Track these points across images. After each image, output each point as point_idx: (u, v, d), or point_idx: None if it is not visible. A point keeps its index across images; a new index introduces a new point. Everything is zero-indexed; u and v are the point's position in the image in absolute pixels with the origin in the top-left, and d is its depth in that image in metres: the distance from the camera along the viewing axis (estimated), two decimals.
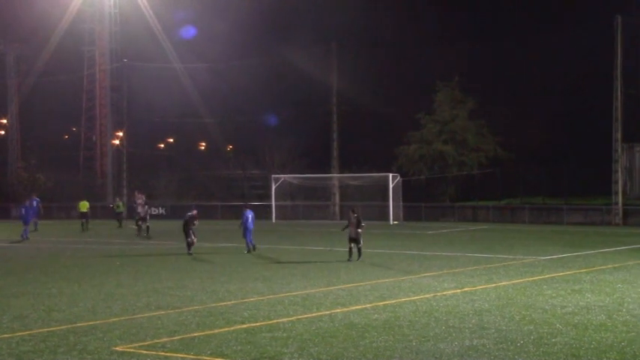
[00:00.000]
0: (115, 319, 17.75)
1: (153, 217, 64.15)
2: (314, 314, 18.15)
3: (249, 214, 33.72)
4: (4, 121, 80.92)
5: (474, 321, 17.02)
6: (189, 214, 33.58)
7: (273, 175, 60.79)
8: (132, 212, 51.55)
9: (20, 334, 16.28)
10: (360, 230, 29.85)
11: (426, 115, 64.14)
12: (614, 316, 17.57)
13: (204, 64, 75.17)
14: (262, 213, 60.47)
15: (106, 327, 16.84)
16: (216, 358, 14.10)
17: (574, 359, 13.73)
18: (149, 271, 27.08)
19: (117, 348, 14.83)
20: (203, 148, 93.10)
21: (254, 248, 33.81)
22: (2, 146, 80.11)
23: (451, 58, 69.82)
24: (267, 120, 78.44)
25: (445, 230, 47.19)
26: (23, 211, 44.79)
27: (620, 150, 52.17)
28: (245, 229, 33.67)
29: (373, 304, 19.41)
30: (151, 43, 73.45)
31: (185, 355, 14.29)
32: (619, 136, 51.80)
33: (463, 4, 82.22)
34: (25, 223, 43.92)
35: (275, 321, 17.31)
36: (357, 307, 19.11)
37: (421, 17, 78.05)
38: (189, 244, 32.87)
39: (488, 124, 63.54)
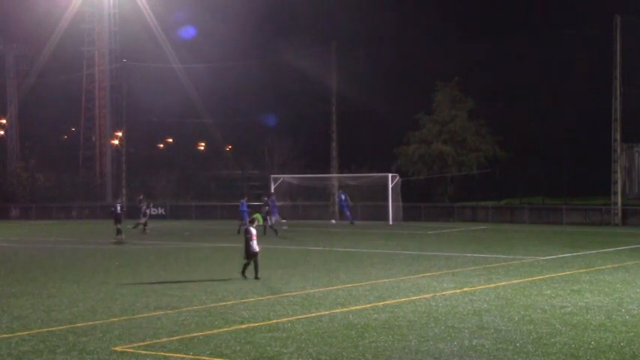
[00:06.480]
0: (114, 319, 17.75)
1: (152, 217, 64.40)
2: (313, 314, 18.15)
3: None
4: (4, 121, 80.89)
5: (473, 321, 17.03)
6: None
7: (272, 175, 60.65)
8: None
9: (20, 334, 16.28)
10: None
11: (425, 115, 64.12)
12: (614, 316, 17.58)
13: (203, 64, 75.12)
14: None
15: (106, 327, 16.84)
16: (216, 358, 14.10)
17: (573, 359, 13.74)
18: (149, 271, 27.08)
19: (116, 348, 14.84)
20: (202, 148, 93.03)
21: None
22: (1, 146, 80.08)
23: (451, 58, 69.87)
24: (266, 120, 78.42)
25: (444, 230, 47.18)
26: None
27: (619, 150, 52.13)
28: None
29: (372, 305, 19.41)
30: (150, 43, 73.49)
31: (184, 355, 14.29)
32: (618, 136, 51.77)
33: (463, 3, 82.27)
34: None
35: (274, 321, 17.31)
36: (357, 307, 19.10)
37: (421, 17, 78.04)
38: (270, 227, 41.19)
39: (488, 124, 63.51)
